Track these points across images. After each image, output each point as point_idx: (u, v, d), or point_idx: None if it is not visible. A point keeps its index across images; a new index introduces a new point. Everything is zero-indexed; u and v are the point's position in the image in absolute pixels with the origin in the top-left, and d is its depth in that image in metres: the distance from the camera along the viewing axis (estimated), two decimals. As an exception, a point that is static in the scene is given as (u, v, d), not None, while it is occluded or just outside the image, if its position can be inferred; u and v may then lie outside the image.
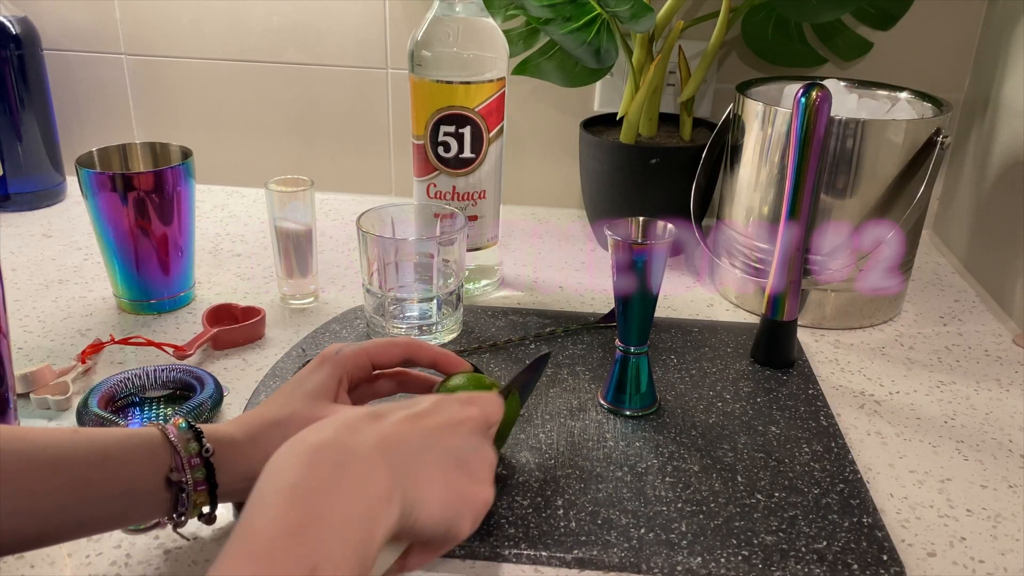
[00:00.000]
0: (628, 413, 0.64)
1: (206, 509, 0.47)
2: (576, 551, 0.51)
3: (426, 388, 0.58)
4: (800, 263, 0.69)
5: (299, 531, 0.35)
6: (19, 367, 0.67)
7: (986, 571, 0.52)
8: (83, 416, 0.61)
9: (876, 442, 0.64)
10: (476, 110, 0.77)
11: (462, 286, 0.76)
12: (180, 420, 0.48)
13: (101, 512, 0.44)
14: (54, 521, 0.43)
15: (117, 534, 0.52)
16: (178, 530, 0.48)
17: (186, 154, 0.80)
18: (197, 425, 0.47)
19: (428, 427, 0.44)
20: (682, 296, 0.87)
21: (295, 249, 0.80)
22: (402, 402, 0.47)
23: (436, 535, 0.43)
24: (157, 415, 0.64)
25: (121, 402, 0.65)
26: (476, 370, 0.59)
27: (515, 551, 0.51)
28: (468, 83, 0.76)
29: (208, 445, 0.47)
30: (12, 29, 0.98)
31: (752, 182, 0.80)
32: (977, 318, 0.85)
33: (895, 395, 0.71)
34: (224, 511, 0.50)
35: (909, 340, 0.80)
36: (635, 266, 0.59)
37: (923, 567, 0.52)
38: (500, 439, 0.57)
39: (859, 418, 0.67)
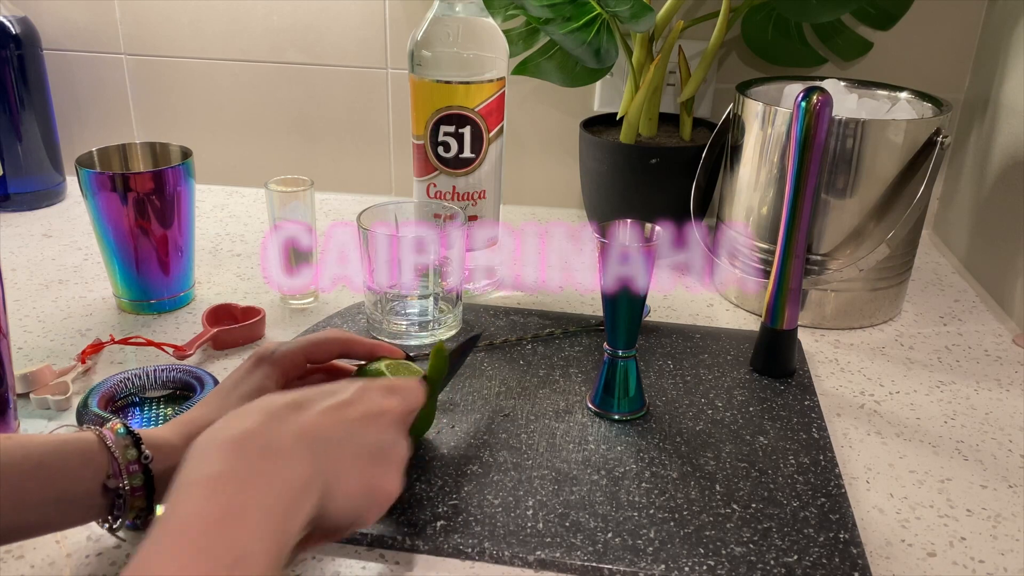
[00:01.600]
0: (616, 417, 0.64)
1: (140, 516, 0.47)
2: (539, 552, 0.51)
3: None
4: (800, 271, 0.68)
5: (222, 521, 0.36)
6: (19, 367, 0.67)
7: (986, 571, 0.52)
8: (83, 416, 0.61)
9: (876, 442, 0.64)
10: (476, 110, 0.77)
11: (461, 284, 0.76)
12: (118, 425, 0.48)
13: (36, 518, 0.44)
14: None
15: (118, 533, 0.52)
16: (116, 533, 0.48)
17: (186, 154, 0.80)
18: (135, 431, 0.47)
19: (349, 418, 0.45)
20: (682, 296, 0.87)
21: (295, 249, 0.80)
22: (325, 387, 0.48)
23: (342, 524, 0.44)
24: (157, 415, 0.64)
25: (121, 402, 0.65)
26: (408, 357, 0.61)
27: (478, 548, 0.51)
28: (468, 83, 0.76)
29: (147, 452, 0.47)
30: (12, 29, 0.98)
31: (752, 182, 0.80)
32: (977, 318, 0.85)
33: (895, 395, 0.71)
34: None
35: (909, 340, 0.80)
36: (622, 269, 0.59)
37: (923, 567, 0.52)
38: (421, 427, 0.58)
39: (859, 418, 0.67)
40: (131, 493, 0.46)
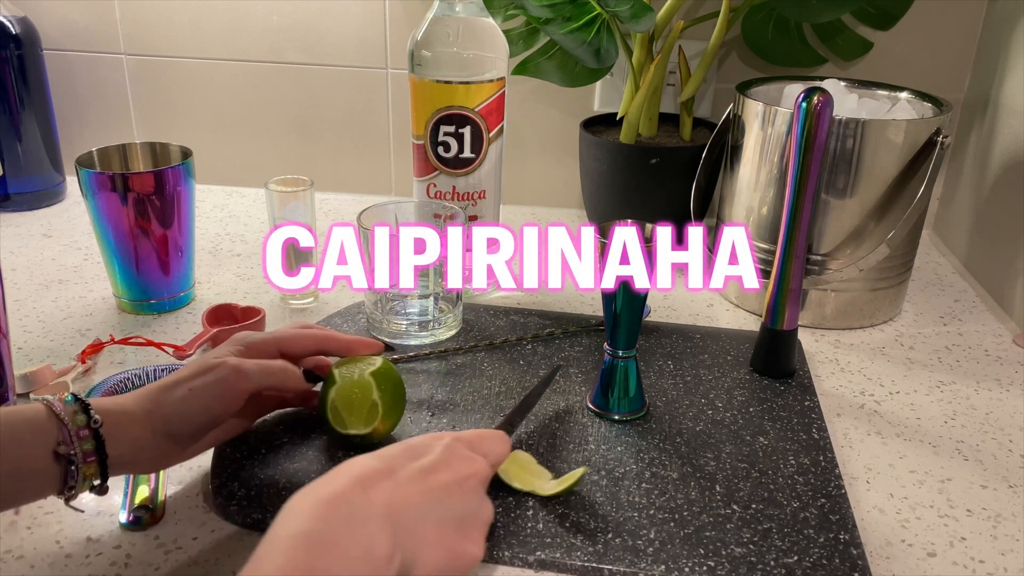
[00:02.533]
0: (616, 417, 0.64)
1: (96, 482, 0.48)
2: (539, 552, 0.50)
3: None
4: (800, 271, 0.68)
5: None
6: (19, 367, 0.67)
7: (986, 571, 0.52)
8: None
9: (876, 442, 0.64)
10: (476, 110, 0.77)
11: (462, 284, 0.75)
12: (66, 394, 0.48)
13: None
14: None
15: (117, 534, 0.52)
16: (71, 503, 0.48)
17: (186, 154, 0.80)
18: (83, 398, 0.48)
19: (435, 487, 0.45)
20: (682, 296, 0.87)
21: (295, 249, 0.80)
22: (413, 444, 0.48)
23: None
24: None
25: (121, 402, 0.65)
26: (388, 347, 0.62)
27: None
28: (468, 83, 0.76)
29: (96, 416, 0.47)
30: (12, 29, 0.98)
31: (752, 182, 0.80)
32: (977, 318, 0.85)
33: (895, 395, 0.71)
34: (114, 485, 0.50)
35: (909, 340, 0.80)
36: (622, 269, 0.59)
37: (923, 567, 0.52)
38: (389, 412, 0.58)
39: (859, 418, 0.67)
40: (83, 459, 0.47)
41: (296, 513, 0.40)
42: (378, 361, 0.59)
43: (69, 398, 0.48)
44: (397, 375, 0.60)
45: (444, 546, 0.44)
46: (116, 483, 0.56)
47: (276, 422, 0.62)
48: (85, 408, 0.47)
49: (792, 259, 0.68)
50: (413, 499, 0.44)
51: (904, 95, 0.85)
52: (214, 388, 0.52)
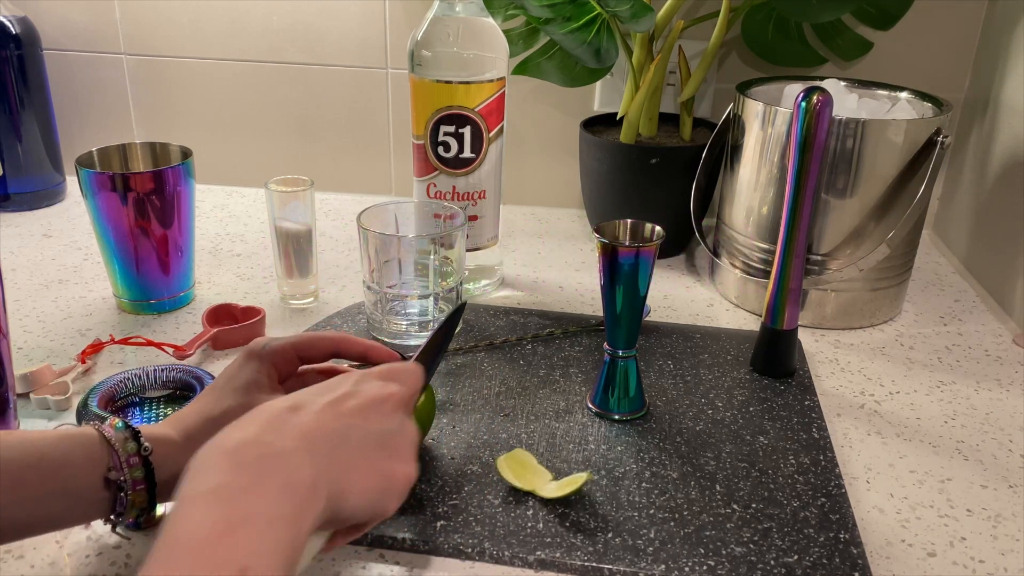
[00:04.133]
0: (616, 417, 0.64)
1: (144, 509, 0.47)
2: (539, 552, 0.50)
3: None
4: (800, 271, 0.68)
5: (226, 533, 0.35)
6: (19, 367, 0.67)
7: (986, 571, 0.52)
8: (83, 416, 0.61)
9: (876, 442, 0.64)
10: (476, 110, 0.77)
11: (461, 284, 0.76)
12: (116, 420, 0.48)
13: (39, 513, 0.44)
14: None
15: (119, 531, 0.52)
16: (117, 530, 0.48)
17: (186, 154, 0.80)
18: (133, 426, 0.48)
19: (349, 411, 0.44)
20: (682, 296, 0.87)
21: (295, 249, 0.80)
22: (321, 384, 0.47)
23: (362, 518, 0.43)
24: (157, 415, 0.64)
25: (121, 402, 0.65)
26: (404, 358, 0.60)
27: (478, 549, 0.51)
28: (468, 83, 0.76)
29: (146, 444, 0.47)
30: (12, 29, 0.98)
31: (752, 182, 0.80)
32: (977, 318, 0.85)
33: (895, 395, 0.71)
34: (164, 511, 0.50)
35: (909, 340, 0.80)
36: (622, 269, 0.59)
37: (923, 567, 0.52)
38: (423, 426, 0.57)
39: (859, 418, 0.67)
40: (132, 487, 0.46)
41: (204, 468, 0.39)
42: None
43: (120, 425, 0.47)
44: (432, 402, 0.59)
45: (372, 468, 0.43)
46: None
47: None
48: (135, 435, 0.47)
49: (792, 259, 0.68)
50: (327, 425, 0.43)
51: (904, 95, 0.85)
52: None
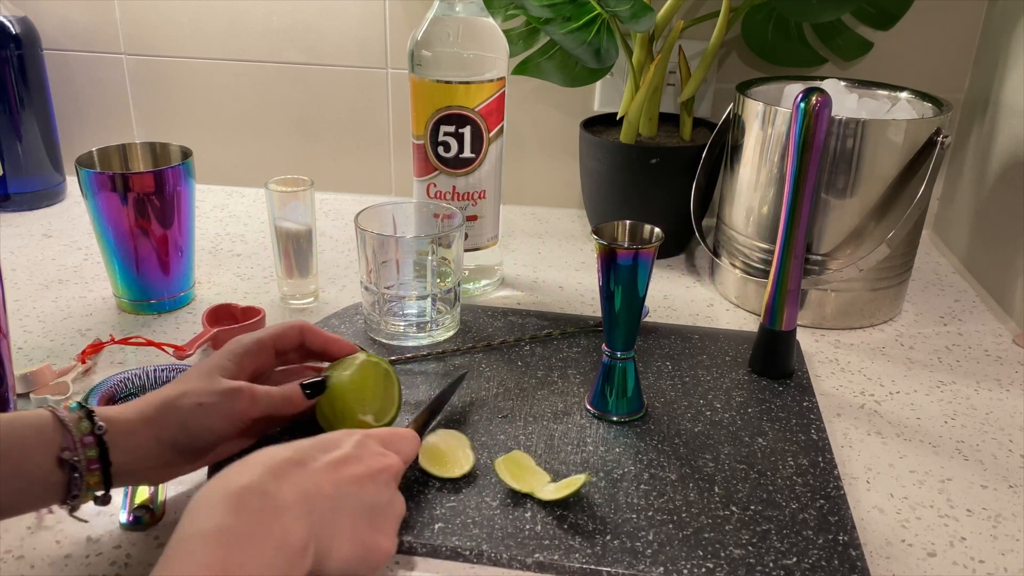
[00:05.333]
0: (614, 419, 0.64)
1: (100, 492, 0.48)
2: (538, 554, 0.50)
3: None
4: (799, 272, 0.68)
5: None
6: (19, 367, 0.67)
7: (986, 571, 0.52)
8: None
9: (876, 442, 0.64)
10: (476, 110, 0.77)
11: (459, 285, 0.76)
12: (70, 402, 0.49)
13: None
14: None
15: (117, 534, 0.52)
16: (74, 514, 0.48)
17: (186, 154, 0.80)
18: (88, 406, 0.48)
19: (348, 478, 0.46)
20: (682, 296, 0.87)
21: (295, 249, 0.80)
22: (325, 439, 0.49)
23: None
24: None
25: (121, 402, 0.65)
26: (361, 349, 0.62)
27: (476, 551, 0.51)
28: (468, 83, 0.76)
29: (100, 423, 0.47)
30: (12, 29, 0.98)
31: (752, 182, 0.80)
32: (977, 318, 0.85)
33: (895, 395, 0.71)
34: (116, 494, 0.50)
35: (909, 340, 0.80)
36: (620, 270, 0.59)
37: (923, 567, 0.52)
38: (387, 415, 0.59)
39: (859, 418, 0.67)
40: (87, 466, 0.47)
41: (206, 508, 0.40)
42: (362, 356, 0.60)
43: (74, 405, 0.48)
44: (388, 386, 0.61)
45: (356, 538, 0.45)
46: (116, 483, 0.57)
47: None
48: (89, 415, 0.48)
49: (791, 259, 0.68)
50: (325, 489, 0.44)
51: (904, 95, 0.84)
52: (222, 408, 0.52)
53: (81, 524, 0.53)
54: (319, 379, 0.57)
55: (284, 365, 0.61)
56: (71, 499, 0.47)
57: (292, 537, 0.40)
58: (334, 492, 0.45)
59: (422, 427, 0.59)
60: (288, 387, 0.56)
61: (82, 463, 0.46)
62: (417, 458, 0.57)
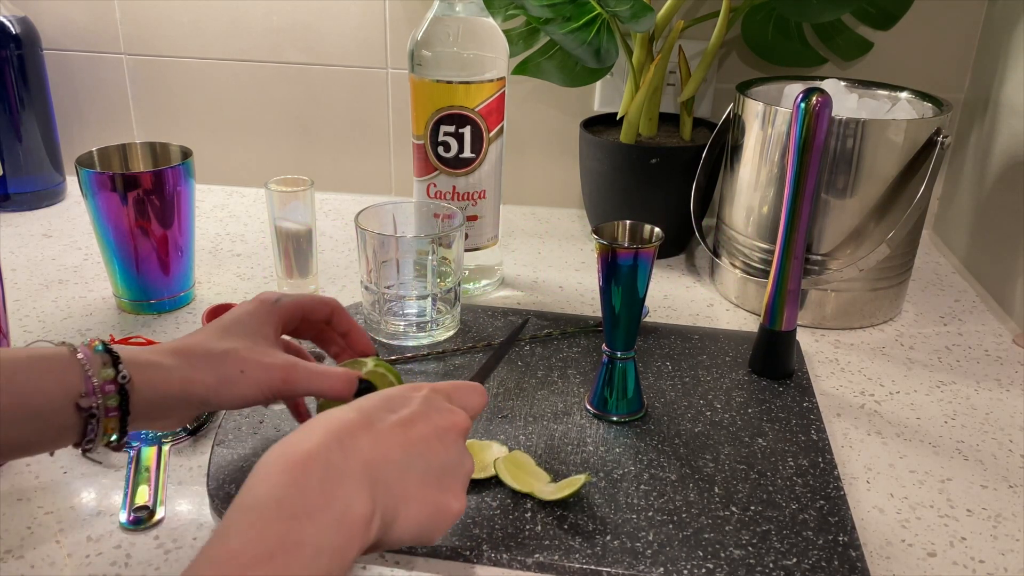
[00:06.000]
0: (614, 419, 0.64)
1: (114, 437, 0.46)
2: (538, 555, 0.50)
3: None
4: (799, 272, 0.68)
5: (273, 557, 0.35)
6: (19, 367, 0.67)
7: (986, 571, 0.52)
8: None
9: (876, 442, 0.64)
10: (476, 110, 0.77)
11: (459, 284, 0.76)
12: (96, 342, 0.46)
13: (9, 435, 0.43)
14: None
15: (117, 534, 0.52)
16: (87, 455, 0.47)
17: (186, 154, 0.80)
18: (114, 348, 0.46)
19: (416, 439, 0.43)
20: (682, 296, 0.87)
21: (295, 249, 0.80)
22: (389, 395, 0.46)
23: (404, 543, 0.43)
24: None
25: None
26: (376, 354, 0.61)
27: (476, 552, 0.51)
28: (468, 83, 0.76)
29: (125, 372, 0.45)
30: (12, 29, 0.98)
31: (752, 182, 0.80)
32: (977, 318, 0.85)
33: (895, 395, 0.71)
34: (114, 483, 0.50)
35: (909, 340, 0.80)
36: (620, 270, 0.59)
37: (923, 567, 0.52)
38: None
39: (859, 418, 0.67)
40: (104, 413, 0.45)
41: (266, 476, 0.37)
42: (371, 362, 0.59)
43: (99, 347, 0.46)
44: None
45: (426, 500, 0.43)
46: (116, 483, 0.57)
47: (274, 424, 0.62)
48: (115, 360, 0.45)
49: (791, 259, 0.68)
50: (393, 453, 0.42)
51: (904, 95, 0.84)
52: (262, 380, 0.50)
53: (81, 524, 0.53)
54: (365, 383, 0.56)
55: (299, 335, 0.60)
56: (86, 443, 0.46)
57: (355, 510, 0.38)
58: (402, 456, 0.42)
59: (484, 378, 0.57)
60: (336, 374, 0.53)
61: (100, 410, 0.45)
62: None
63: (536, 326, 0.77)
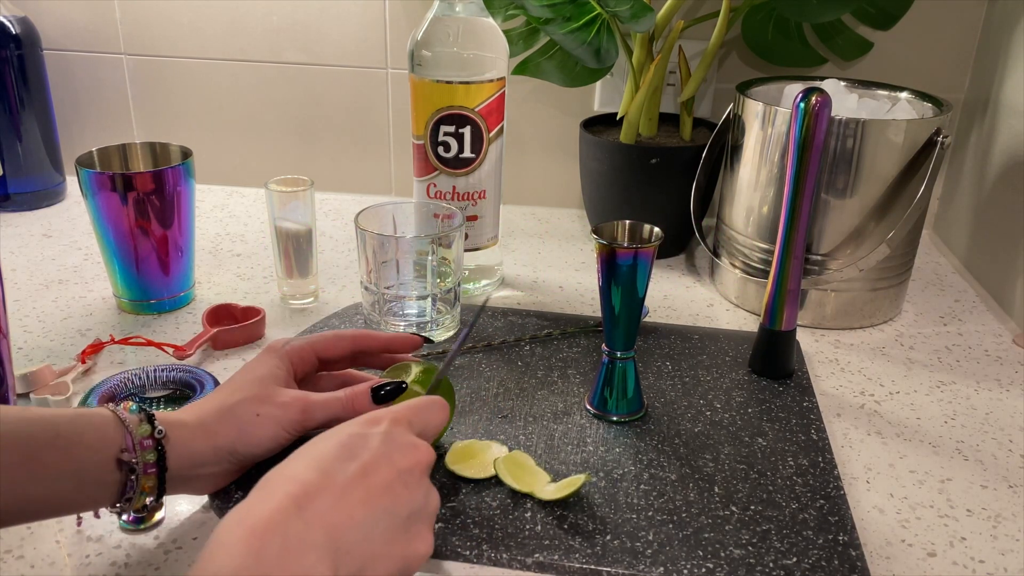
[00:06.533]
0: (614, 418, 0.63)
1: (151, 498, 0.48)
2: (537, 555, 0.50)
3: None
4: (799, 272, 0.68)
5: None
6: (19, 367, 0.67)
7: (986, 571, 0.52)
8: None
9: (876, 442, 0.64)
10: (476, 110, 0.77)
11: (459, 285, 0.76)
12: (130, 403, 0.48)
13: (51, 491, 0.44)
14: (4, 499, 0.43)
15: (117, 534, 0.52)
16: (121, 520, 0.48)
17: (186, 154, 0.80)
18: (148, 409, 0.48)
19: (377, 490, 0.42)
20: (682, 296, 0.87)
21: (295, 249, 0.80)
22: (347, 443, 0.43)
23: None
24: (157, 415, 0.64)
25: (121, 402, 0.65)
26: (426, 340, 0.61)
27: (476, 551, 0.51)
28: (468, 83, 0.76)
29: (160, 427, 0.47)
30: (12, 29, 0.98)
31: (752, 182, 0.80)
32: (977, 318, 0.85)
33: (895, 395, 0.71)
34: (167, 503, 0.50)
35: (909, 340, 0.80)
36: (620, 270, 0.59)
37: (923, 567, 0.52)
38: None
39: (859, 418, 0.67)
40: (144, 469, 0.46)
41: (224, 545, 0.37)
42: (416, 368, 0.58)
43: (134, 407, 0.48)
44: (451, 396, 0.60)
45: (392, 556, 0.41)
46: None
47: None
48: (150, 418, 0.48)
49: (790, 259, 0.68)
50: (356, 513, 0.40)
51: (904, 95, 0.84)
52: (280, 419, 0.52)
53: (81, 524, 0.53)
54: (397, 381, 0.55)
55: (328, 371, 0.60)
56: (124, 502, 0.47)
57: None
58: (365, 515, 0.41)
59: (435, 385, 0.55)
60: (349, 392, 0.54)
61: (140, 465, 0.46)
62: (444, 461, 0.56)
63: (536, 326, 0.77)
